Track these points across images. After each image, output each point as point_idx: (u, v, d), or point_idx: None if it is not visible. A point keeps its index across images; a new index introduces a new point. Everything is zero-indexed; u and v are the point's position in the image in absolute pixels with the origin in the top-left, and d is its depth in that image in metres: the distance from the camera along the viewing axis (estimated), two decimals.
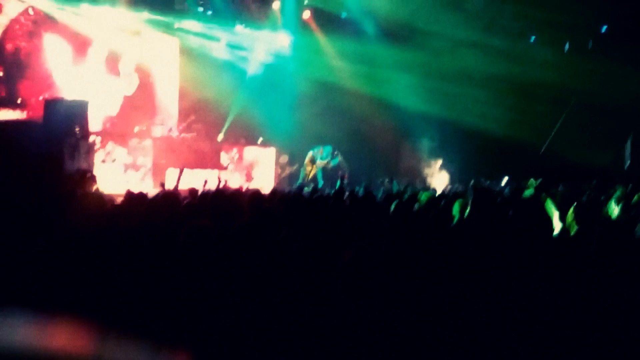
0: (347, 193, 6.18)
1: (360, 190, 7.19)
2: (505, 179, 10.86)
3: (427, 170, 13.75)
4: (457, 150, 12.92)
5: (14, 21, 11.07)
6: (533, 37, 13.28)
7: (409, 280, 3.67)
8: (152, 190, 7.61)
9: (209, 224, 4.69)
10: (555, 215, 5.04)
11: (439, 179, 13.19)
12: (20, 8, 11.13)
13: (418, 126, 13.59)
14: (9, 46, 10.99)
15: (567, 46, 13.11)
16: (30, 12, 11.26)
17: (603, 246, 3.70)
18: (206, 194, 5.78)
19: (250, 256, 4.44)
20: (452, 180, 12.73)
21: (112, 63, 12.58)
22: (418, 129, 13.74)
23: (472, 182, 8.67)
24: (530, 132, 12.41)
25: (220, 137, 13.63)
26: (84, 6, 11.60)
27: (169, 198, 5.34)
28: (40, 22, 11.40)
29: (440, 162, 13.79)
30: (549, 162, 11.94)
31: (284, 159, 13.33)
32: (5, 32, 10.92)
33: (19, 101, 10.90)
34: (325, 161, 12.65)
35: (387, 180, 9.82)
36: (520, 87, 12.38)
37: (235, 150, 12.80)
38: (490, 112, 12.23)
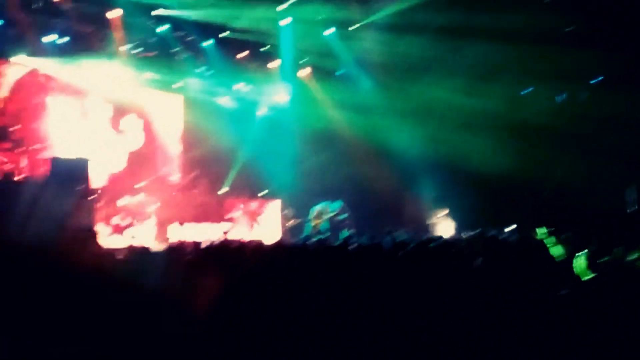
0: (353, 243, 6.11)
1: (365, 240, 7.10)
2: (511, 227, 10.76)
3: (431, 220, 13.65)
4: (461, 198, 12.85)
5: (19, 83, 11.25)
6: (530, 88, 13.47)
7: (422, 329, 3.57)
8: (155, 245, 7.52)
9: (211, 280, 4.62)
10: (561, 257, 4.96)
11: (444, 227, 13.08)
12: (25, 69, 11.35)
13: (421, 175, 13.60)
14: (13, 107, 11.13)
15: (563, 96, 13.28)
16: (35, 72, 11.47)
17: (620, 291, 3.62)
18: (210, 247, 5.71)
19: (255, 309, 4.34)
20: (457, 229, 12.62)
21: (116, 120, 12.78)
22: (421, 178, 13.74)
23: (478, 231, 8.58)
24: (533, 178, 12.40)
25: (223, 190, 13.67)
26: (88, 65, 11.79)
27: (173, 252, 5.27)
28: (45, 82, 11.61)
29: (444, 210, 13.70)
30: (552, 208, 11.87)
31: (289, 211, 13.32)
32: (10, 93, 11.09)
33: (21, 162, 10.97)
34: (332, 214, 12.70)
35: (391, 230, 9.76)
36: (520, 133, 12.44)
37: (239, 203, 12.78)
38: (492, 159, 12.23)
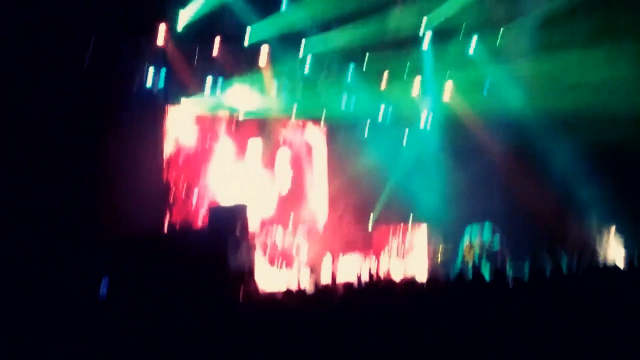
0: (510, 276, 5.75)
1: (525, 270, 6.65)
2: None
3: (599, 242, 12.34)
4: (633, 219, 11.39)
5: (181, 129, 12.14)
6: None
7: None
8: (307, 282, 7.71)
9: (361, 321, 4.62)
10: None
11: (614, 251, 11.76)
12: (186, 115, 12.12)
13: (584, 190, 12.43)
14: (177, 156, 12.04)
15: None
16: (194, 116, 12.24)
17: None
18: (360, 287, 5.73)
19: (407, 350, 4.24)
20: (629, 253, 11.26)
21: (269, 159, 13.29)
22: (584, 194, 12.55)
23: None
24: None
25: (371, 220, 13.68)
26: (243, 104, 12.57)
27: (324, 294, 5.39)
28: (204, 125, 12.33)
29: (613, 231, 12.31)
30: None
31: (438, 239, 12.94)
32: (173, 141, 12.03)
33: (186, 211, 11.84)
34: (484, 242, 12.10)
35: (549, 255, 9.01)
36: None
37: (387, 232, 12.70)
38: None
